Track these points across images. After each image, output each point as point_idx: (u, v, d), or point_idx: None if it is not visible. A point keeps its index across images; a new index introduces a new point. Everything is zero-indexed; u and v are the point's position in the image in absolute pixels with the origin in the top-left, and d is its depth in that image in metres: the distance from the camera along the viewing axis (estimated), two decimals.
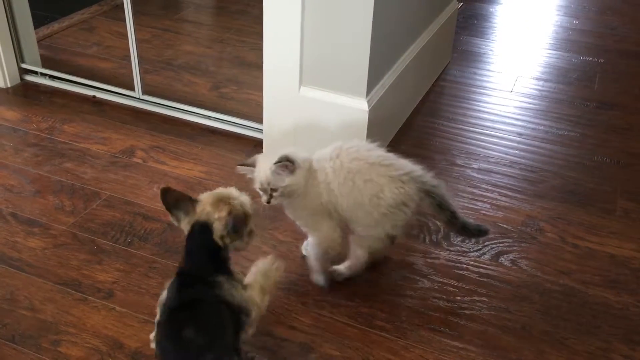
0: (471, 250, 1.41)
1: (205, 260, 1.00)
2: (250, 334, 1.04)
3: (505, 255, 1.39)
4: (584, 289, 1.32)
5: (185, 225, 1.01)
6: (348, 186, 1.18)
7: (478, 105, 2.00)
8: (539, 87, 2.12)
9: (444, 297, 1.28)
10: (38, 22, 2.07)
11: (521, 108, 1.99)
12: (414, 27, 1.83)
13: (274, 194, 1.18)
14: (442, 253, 1.40)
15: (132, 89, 1.87)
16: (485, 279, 1.33)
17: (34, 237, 1.38)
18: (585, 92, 2.10)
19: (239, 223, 0.99)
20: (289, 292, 1.27)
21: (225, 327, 0.97)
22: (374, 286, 1.30)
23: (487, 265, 1.37)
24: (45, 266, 1.30)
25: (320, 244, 1.23)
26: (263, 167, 1.18)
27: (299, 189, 1.18)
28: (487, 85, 2.13)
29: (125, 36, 1.81)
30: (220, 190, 1.03)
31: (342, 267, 1.29)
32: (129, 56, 1.83)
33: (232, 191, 1.03)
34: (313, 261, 1.27)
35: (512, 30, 2.59)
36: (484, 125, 1.88)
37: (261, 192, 1.20)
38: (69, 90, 1.94)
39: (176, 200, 1.00)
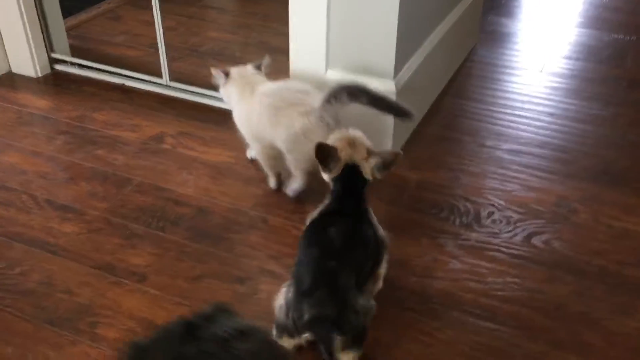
0: (503, 231, 1.39)
1: (358, 196, 1.13)
2: (378, 287, 1.18)
3: (537, 237, 1.38)
4: (619, 269, 1.29)
5: (334, 172, 1.12)
6: (273, 120, 1.37)
7: (507, 86, 1.97)
8: (570, 67, 2.08)
9: (476, 278, 1.27)
10: (66, 12, 2.09)
11: (551, 88, 1.96)
12: (441, 8, 1.81)
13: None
14: (472, 234, 1.39)
15: (160, 76, 1.88)
16: (517, 260, 1.32)
17: (69, 223, 1.40)
18: (617, 71, 2.06)
19: (389, 160, 1.12)
20: None
21: (369, 257, 1.10)
22: (404, 268, 1.30)
23: (519, 246, 1.35)
24: (80, 251, 1.33)
25: (256, 150, 1.49)
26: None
27: (228, 100, 1.48)
28: (516, 65, 2.09)
29: (151, 24, 1.82)
30: (348, 133, 1.15)
31: (291, 186, 1.47)
32: (156, 44, 1.84)
33: (355, 134, 1.15)
34: (265, 168, 1.50)
35: (540, 9, 2.54)
36: (513, 106, 1.86)
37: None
38: (98, 79, 1.96)
39: (328, 153, 1.11)
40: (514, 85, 1.97)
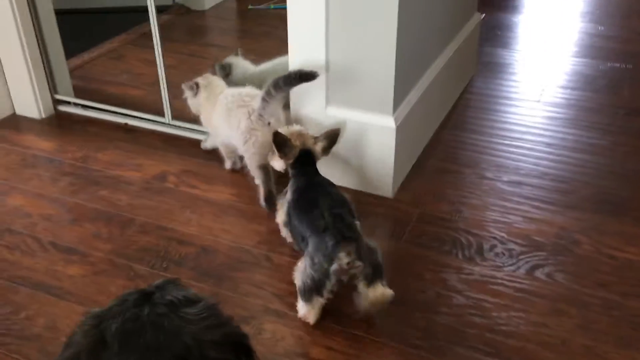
0: (505, 264, 1.40)
1: (313, 169, 1.39)
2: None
3: (540, 269, 1.38)
4: (623, 302, 1.30)
5: (290, 157, 1.37)
6: (229, 121, 1.57)
7: (505, 117, 1.99)
8: (567, 96, 2.11)
9: (480, 313, 1.27)
10: (69, 53, 2.13)
11: (549, 118, 1.98)
12: (438, 41, 1.84)
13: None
14: (475, 268, 1.39)
15: (162, 114, 1.91)
16: (521, 294, 1.32)
17: (74, 265, 1.41)
18: (614, 99, 2.08)
19: (333, 138, 1.40)
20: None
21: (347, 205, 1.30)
22: (408, 304, 1.30)
23: (523, 279, 1.35)
24: (85, 294, 1.33)
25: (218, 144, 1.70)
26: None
27: (199, 108, 1.68)
28: (514, 96, 2.12)
29: (153, 63, 1.85)
30: (293, 128, 1.41)
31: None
32: (158, 83, 1.87)
33: (299, 128, 1.42)
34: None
35: (536, 40, 2.58)
36: (512, 137, 1.88)
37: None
38: (101, 119, 1.99)
39: (283, 141, 1.35)
40: (512, 116, 1.99)
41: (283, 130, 1.39)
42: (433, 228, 1.51)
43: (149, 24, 1.83)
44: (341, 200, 1.30)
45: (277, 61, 1.86)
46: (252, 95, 1.57)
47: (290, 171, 1.40)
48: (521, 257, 1.42)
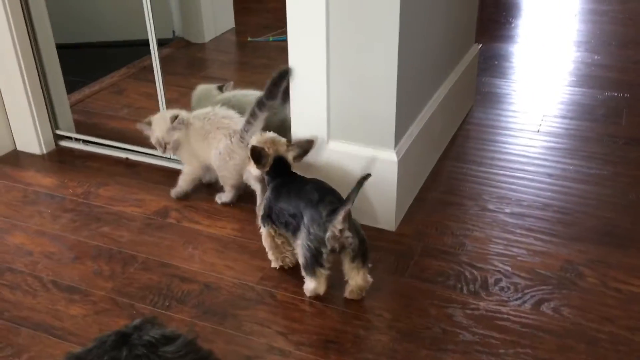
0: (511, 299, 1.39)
1: (288, 172, 1.46)
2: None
3: (546, 303, 1.37)
4: (630, 336, 1.28)
5: (267, 166, 1.44)
6: (207, 142, 1.66)
7: (505, 147, 2.00)
8: (565, 126, 2.12)
9: (487, 350, 1.26)
10: (70, 88, 2.14)
11: (549, 148, 1.99)
12: (438, 74, 1.86)
13: (168, 146, 1.69)
14: (481, 303, 1.38)
15: None
16: (527, 330, 1.31)
17: (75, 305, 1.40)
18: (613, 129, 2.09)
19: (306, 147, 1.49)
20: (327, 350, 1.27)
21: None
22: (414, 340, 1.29)
23: (529, 314, 1.34)
24: (86, 334, 1.32)
25: (187, 173, 1.75)
26: (157, 126, 1.70)
27: (184, 140, 1.68)
28: (513, 126, 2.13)
29: (153, 97, 1.86)
30: (262, 136, 1.46)
31: (220, 196, 1.73)
32: None
33: (271, 135, 1.47)
34: (181, 180, 1.75)
35: (533, 69, 2.60)
36: (513, 168, 1.88)
37: (157, 146, 1.72)
38: (102, 154, 1.99)
39: (259, 153, 1.42)
40: (512, 146, 2.00)
41: (256, 137, 1.46)
42: (437, 262, 1.51)
43: (149, 57, 1.85)
44: (325, 184, 1.40)
45: (239, 92, 1.93)
46: (229, 116, 1.66)
47: (266, 177, 1.47)
48: (526, 291, 1.41)
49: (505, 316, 1.34)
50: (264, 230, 1.46)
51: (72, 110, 2.11)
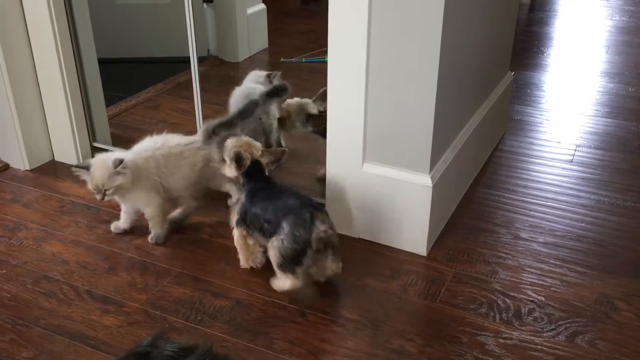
0: (545, 330, 1.37)
1: (263, 176, 1.52)
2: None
3: (581, 336, 1.35)
4: None
5: (244, 167, 1.49)
6: (175, 165, 1.63)
7: (538, 176, 1.99)
8: (600, 157, 2.10)
9: None
10: (108, 101, 2.19)
11: (583, 179, 1.97)
12: (474, 100, 1.86)
13: (107, 192, 1.56)
14: (514, 333, 1.37)
15: None
16: None
17: (109, 315, 1.41)
18: None
19: (278, 156, 1.54)
20: None
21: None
22: None
23: (563, 346, 1.33)
24: (120, 345, 1.33)
25: (154, 212, 1.64)
26: (97, 171, 1.56)
27: (128, 185, 1.57)
28: (546, 155, 2.12)
29: (188, 112, 1.89)
30: (238, 140, 1.52)
31: (175, 213, 1.72)
32: (193, 132, 1.90)
33: (247, 139, 1.53)
34: (154, 225, 1.65)
35: (565, 99, 2.60)
36: (546, 197, 1.87)
37: (95, 192, 1.57)
38: None
39: (240, 158, 1.48)
40: (545, 175, 1.99)
41: (232, 141, 1.52)
42: (469, 289, 1.50)
43: (185, 74, 1.88)
44: (298, 191, 1.50)
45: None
46: (189, 142, 1.67)
47: (242, 179, 1.52)
48: (560, 322, 1.39)
49: (539, 347, 1.33)
50: (236, 232, 1.51)
51: (109, 123, 2.15)
